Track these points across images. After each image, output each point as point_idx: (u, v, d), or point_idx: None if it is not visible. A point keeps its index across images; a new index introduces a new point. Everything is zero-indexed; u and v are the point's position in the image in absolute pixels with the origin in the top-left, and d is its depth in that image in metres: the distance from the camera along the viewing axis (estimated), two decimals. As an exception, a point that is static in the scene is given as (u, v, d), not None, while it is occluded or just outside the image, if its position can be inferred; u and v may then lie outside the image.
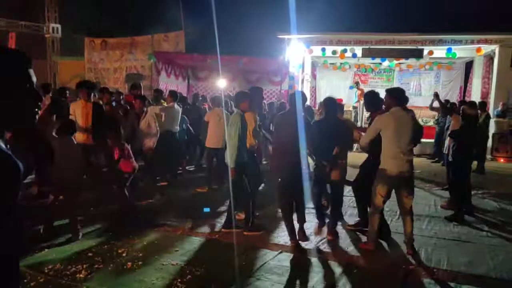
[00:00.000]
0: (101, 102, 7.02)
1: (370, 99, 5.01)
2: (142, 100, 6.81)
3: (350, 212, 5.69)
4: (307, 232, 4.61)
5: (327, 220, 4.85)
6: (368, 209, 4.60)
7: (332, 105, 4.78)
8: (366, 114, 12.26)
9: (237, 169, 4.62)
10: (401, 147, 4.16)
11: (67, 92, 8.07)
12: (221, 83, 11.49)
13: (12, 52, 1.27)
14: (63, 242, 4.37)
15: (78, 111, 6.05)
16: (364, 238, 4.64)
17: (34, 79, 1.27)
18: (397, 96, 4.34)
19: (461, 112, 5.89)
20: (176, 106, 7.14)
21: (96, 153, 6.21)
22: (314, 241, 4.55)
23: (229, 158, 4.58)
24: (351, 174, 5.06)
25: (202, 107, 9.42)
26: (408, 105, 15.35)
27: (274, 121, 4.69)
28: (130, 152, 5.50)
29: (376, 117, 4.39)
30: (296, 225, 4.50)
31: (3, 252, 1.15)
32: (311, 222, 4.99)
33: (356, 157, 7.28)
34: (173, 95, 7.23)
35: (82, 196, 5.01)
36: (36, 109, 1.30)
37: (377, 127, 4.26)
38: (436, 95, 8.73)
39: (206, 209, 4.97)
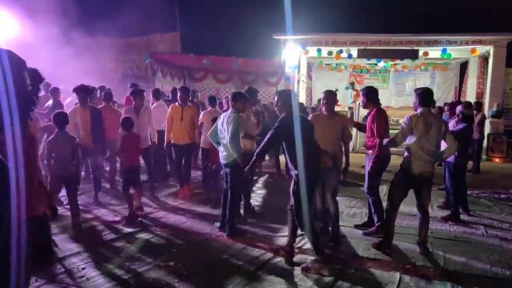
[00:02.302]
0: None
1: (370, 94, 4.89)
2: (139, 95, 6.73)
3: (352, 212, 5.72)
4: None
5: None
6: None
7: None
8: (362, 114, 12.30)
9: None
10: (425, 149, 4.16)
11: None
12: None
13: (7, 53, 1.26)
14: (59, 241, 4.34)
15: (77, 119, 6.03)
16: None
17: (28, 81, 1.26)
18: (424, 97, 4.29)
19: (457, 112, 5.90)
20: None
21: (94, 155, 6.17)
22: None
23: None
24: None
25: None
26: (404, 105, 15.33)
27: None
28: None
29: (407, 116, 4.30)
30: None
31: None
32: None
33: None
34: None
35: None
36: (30, 111, 1.29)
37: (410, 126, 4.18)
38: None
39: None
